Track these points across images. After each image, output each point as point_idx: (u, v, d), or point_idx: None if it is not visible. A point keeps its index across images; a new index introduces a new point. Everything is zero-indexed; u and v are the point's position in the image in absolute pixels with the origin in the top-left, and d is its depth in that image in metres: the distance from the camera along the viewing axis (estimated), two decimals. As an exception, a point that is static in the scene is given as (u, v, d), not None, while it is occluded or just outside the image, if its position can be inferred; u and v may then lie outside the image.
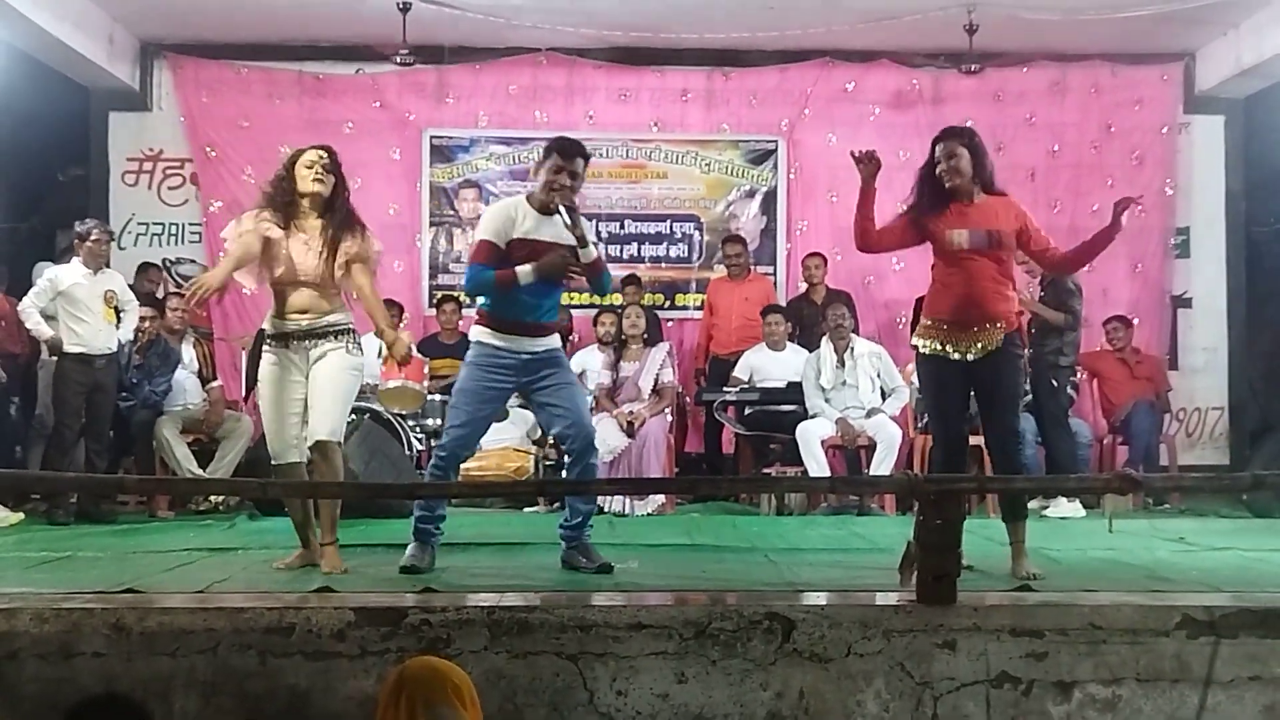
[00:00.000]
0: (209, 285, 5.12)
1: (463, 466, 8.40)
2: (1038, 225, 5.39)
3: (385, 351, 5.83)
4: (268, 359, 5.38)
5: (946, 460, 5.43)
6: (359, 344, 5.52)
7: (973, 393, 5.40)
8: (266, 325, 5.45)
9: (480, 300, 5.47)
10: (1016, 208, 5.36)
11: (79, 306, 8.04)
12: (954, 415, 5.44)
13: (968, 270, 5.22)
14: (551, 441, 9.00)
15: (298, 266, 5.27)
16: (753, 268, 10.40)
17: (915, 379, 8.71)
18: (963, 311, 5.23)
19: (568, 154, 5.32)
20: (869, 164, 5.28)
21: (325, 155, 5.39)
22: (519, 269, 5.15)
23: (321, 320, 5.34)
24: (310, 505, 5.48)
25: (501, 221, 5.31)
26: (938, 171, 5.28)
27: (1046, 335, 8.51)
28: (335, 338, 5.36)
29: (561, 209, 5.25)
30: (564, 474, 5.97)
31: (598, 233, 10.78)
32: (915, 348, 5.45)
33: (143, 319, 8.55)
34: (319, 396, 5.33)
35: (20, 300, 8.28)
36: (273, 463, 5.44)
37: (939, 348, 5.29)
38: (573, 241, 5.27)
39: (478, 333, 5.41)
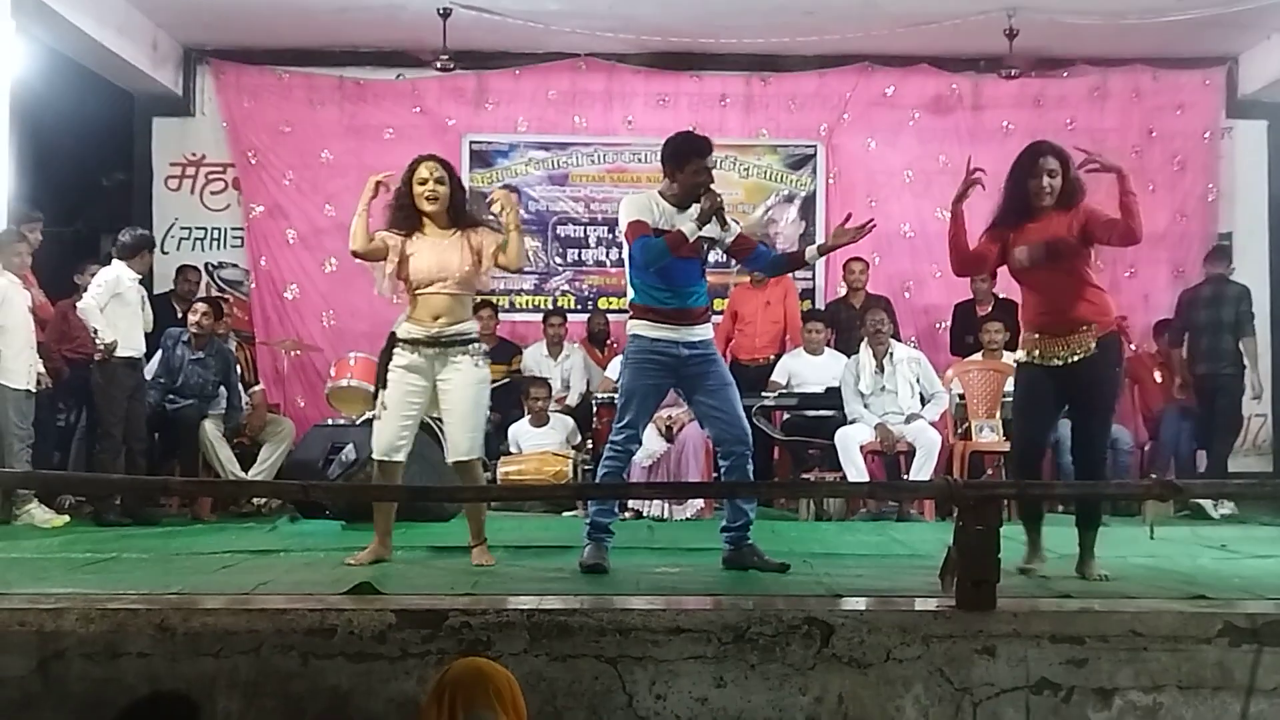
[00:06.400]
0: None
1: (502, 471, 8.53)
2: (1098, 212, 5.16)
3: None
4: (399, 359, 5.52)
5: (1018, 468, 5.52)
6: (486, 354, 5.72)
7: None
8: (398, 330, 5.57)
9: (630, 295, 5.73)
10: (1077, 214, 5.15)
11: (129, 309, 8.00)
12: (1036, 422, 5.43)
13: (1041, 281, 5.22)
14: (590, 445, 9.05)
15: (438, 271, 5.44)
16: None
17: (954, 385, 8.78)
18: (1049, 320, 5.22)
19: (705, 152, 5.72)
20: (966, 183, 5.16)
21: (437, 167, 5.57)
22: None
23: (451, 328, 5.48)
24: (394, 505, 5.69)
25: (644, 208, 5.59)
26: (1031, 186, 5.16)
27: None
28: (464, 348, 5.51)
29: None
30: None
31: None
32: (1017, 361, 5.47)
33: (203, 315, 8.62)
34: (453, 415, 5.52)
35: (58, 303, 8.33)
36: (375, 458, 5.58)
37: (1033, 356, 5.27)
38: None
39: (633, 325, 5.68)
